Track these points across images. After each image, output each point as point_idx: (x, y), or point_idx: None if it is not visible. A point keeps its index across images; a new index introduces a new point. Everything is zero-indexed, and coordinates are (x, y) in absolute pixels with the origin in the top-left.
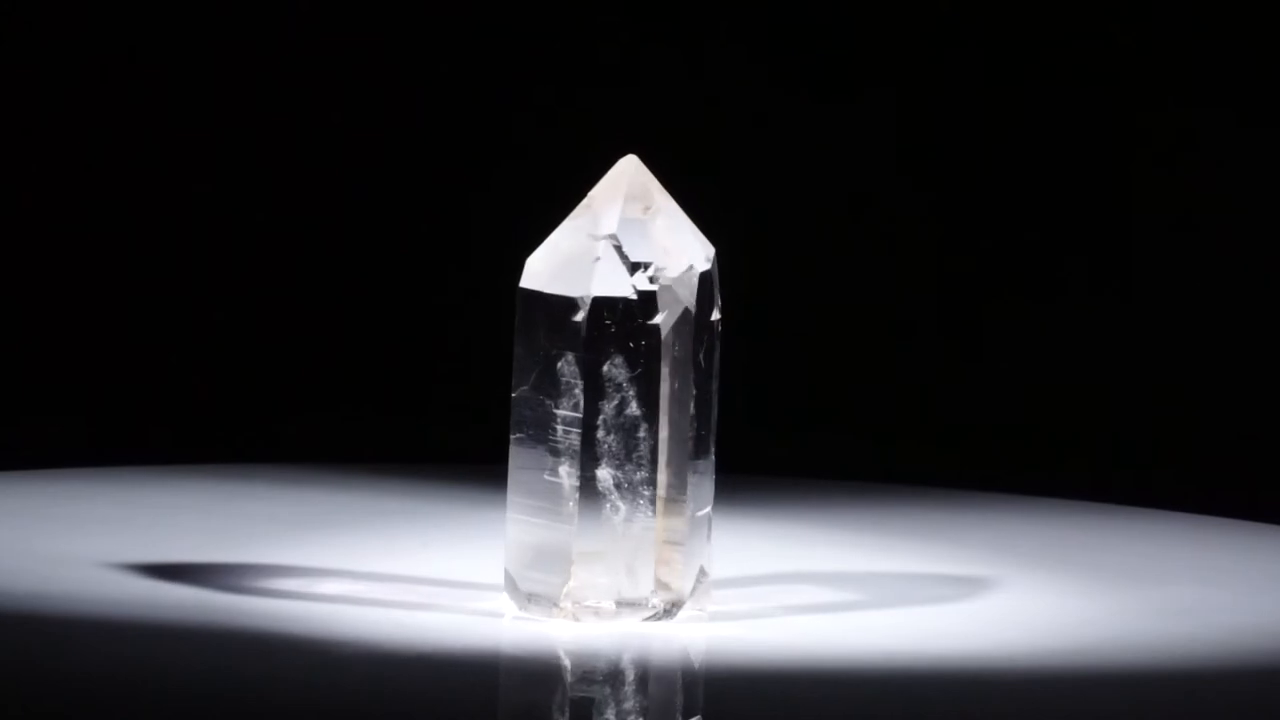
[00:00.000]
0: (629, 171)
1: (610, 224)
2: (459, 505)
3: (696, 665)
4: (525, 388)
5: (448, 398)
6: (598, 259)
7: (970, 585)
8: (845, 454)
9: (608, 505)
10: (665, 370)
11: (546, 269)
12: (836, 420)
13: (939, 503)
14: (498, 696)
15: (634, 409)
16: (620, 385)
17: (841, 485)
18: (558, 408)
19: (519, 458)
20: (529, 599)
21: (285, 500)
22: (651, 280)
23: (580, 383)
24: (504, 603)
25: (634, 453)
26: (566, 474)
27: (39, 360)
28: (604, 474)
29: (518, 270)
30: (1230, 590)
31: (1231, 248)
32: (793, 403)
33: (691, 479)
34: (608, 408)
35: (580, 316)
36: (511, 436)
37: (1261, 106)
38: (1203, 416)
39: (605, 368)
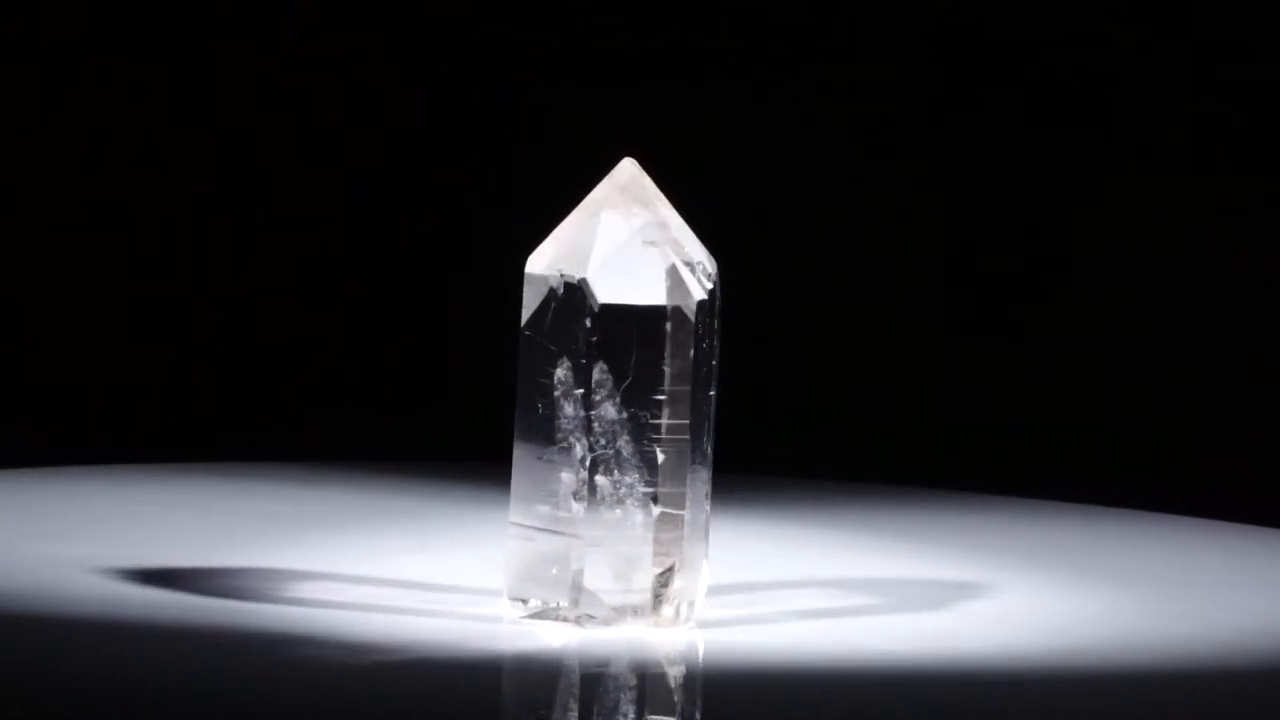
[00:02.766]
0: (634, 176)
1: (665, 229)
2: (458, 505)
3: (699, 669)
4: (607, 402)
5: (448, 397)
6: (684, 266)
7: (971, 588)
8: (845, 454)
9: (679, 511)
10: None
11: (622, 281)
12: (836, 420)
13: (938, 504)
14: (504, 700)
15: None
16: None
17: (841, 486)
18: (652, 418)
19: (599, 473)
20: (622, 611)
21: (285, 500)
22: (708, 278)
23: (667, 392)
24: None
25: (683, 456)
26: (656, 485)
27: (39, 360)
28: (702, 477)
29: (517, 269)
30: (1230, 591)
31: (1231, 247)
32: (792, 403)
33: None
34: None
35: (669, 326)
36: (594, 453)
37: (1261, 105)
38: (1202, 417)
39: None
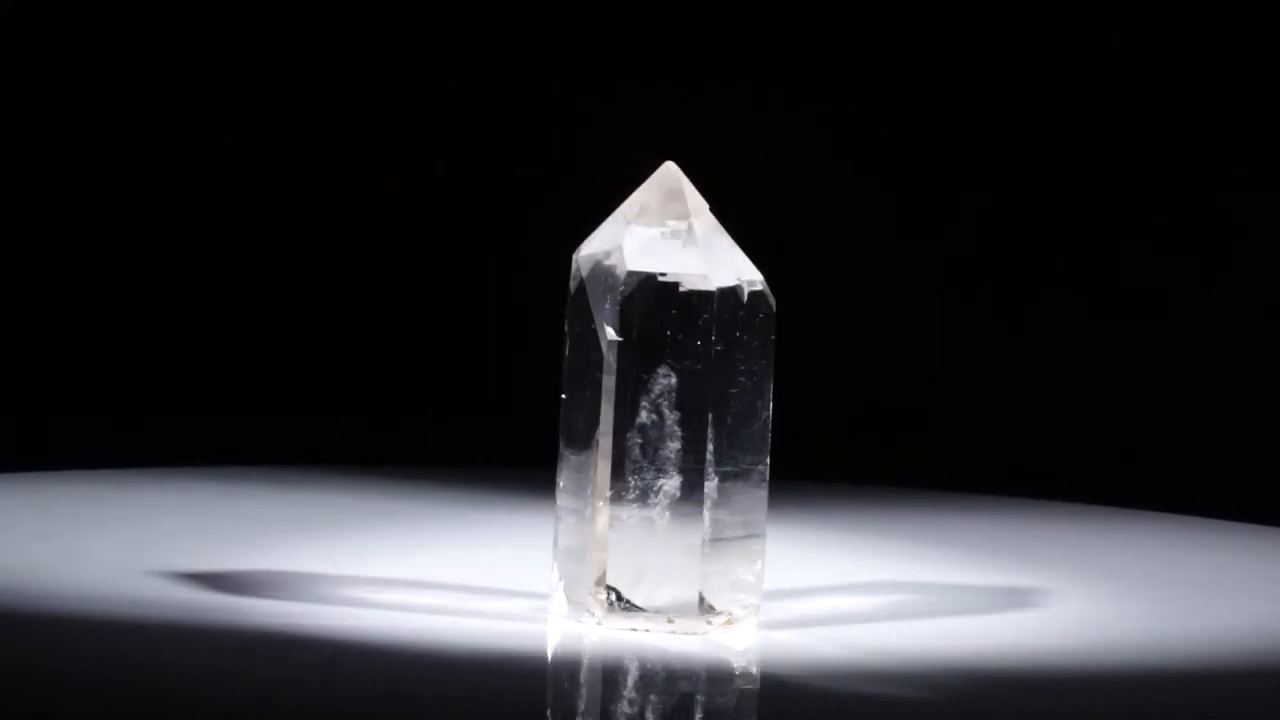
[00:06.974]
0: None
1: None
2: (459, 506)
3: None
4: (767, 412)
5: (449, 398)
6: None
7: (983, 591)
8: (846, 455)
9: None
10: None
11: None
12: (837, 421)
13: (939, 506)
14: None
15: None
16: None
17: (841, 488)
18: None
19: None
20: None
21: (286, 501)
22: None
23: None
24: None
25: None
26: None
27: (38, 360)
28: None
29: (521, 271)
30: (1231, 591)
31: (1231, 248)
32: (793, 403)
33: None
34: None
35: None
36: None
37: (1258, 106)
38: (1202, 417)
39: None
